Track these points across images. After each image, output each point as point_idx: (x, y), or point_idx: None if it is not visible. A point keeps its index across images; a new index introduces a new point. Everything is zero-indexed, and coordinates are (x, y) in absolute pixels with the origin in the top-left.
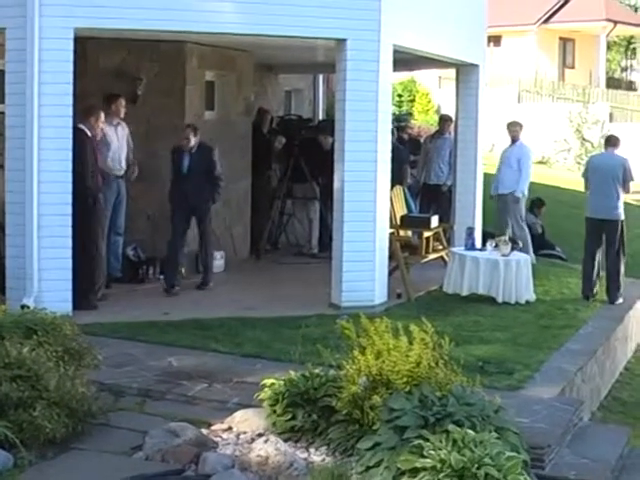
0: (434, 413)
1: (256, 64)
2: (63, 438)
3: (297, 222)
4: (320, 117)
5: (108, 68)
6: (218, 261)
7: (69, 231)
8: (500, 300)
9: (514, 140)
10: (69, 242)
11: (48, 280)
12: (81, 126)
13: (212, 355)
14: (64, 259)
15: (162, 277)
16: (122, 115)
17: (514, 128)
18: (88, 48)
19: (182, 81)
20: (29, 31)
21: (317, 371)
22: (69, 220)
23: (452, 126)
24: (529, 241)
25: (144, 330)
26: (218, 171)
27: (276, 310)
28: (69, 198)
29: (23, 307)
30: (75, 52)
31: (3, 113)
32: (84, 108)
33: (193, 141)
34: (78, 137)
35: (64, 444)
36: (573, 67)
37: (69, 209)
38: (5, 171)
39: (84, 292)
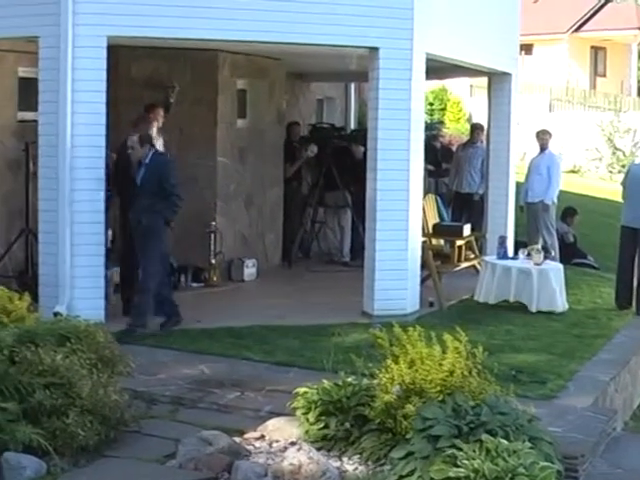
0: (467, 422)
1: (288, 72)
2: (96, 445)
3: (329, 230)
4: (352, 125)
5: (140, 76)
6: (250, 269)
7: (102, 239)
8: (532, 309)
9: (543, 148)
10: (102, 250)
11: (81, 288)
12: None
13: (244, 363)
14: (97, 267)
15: (194, 284)
16: (160, 125)
17: (543, 136)
18: (121, 56)
19: (214, 89)
20: (63, 40)
21: (350, 380)
22: (102, 228)
23: (484, 135)
24: (557, 249)
25: (176, 338)
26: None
27: (308, 318)
28: (102, 206)
29: (56, 314)
30: (108, 60)
31: (36, 121)
32: (136, 119)
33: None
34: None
35: (97, 452)
36: (604, 76)
37: (102, 217)
38: (38, 179)
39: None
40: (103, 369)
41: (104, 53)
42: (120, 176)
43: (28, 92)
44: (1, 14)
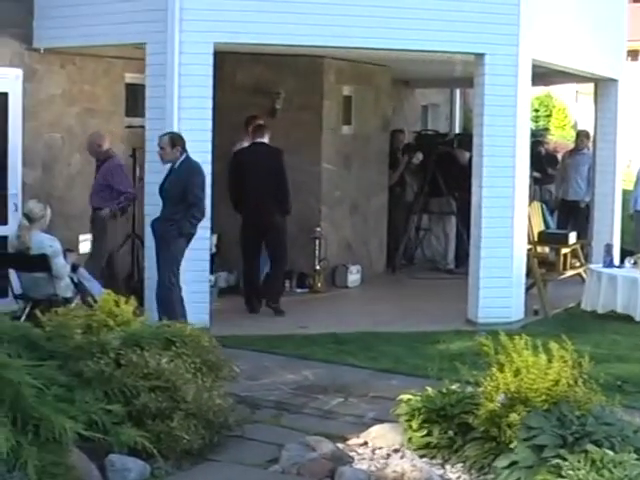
0: (573, 432)
1: (393, 79)
2: (199, 449)
3: (433, 237)
4: (457, 132)
5: (246, 83)
6: (354, 275)
7: (207, 244)
8: (638, 319)
9: None
10: (207, 255)
11: (186, 292)
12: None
13: (348, 369)
14: (202, 272)
15: (299, 290)
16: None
17: None
18: (226, 62)
19: (320, 96)
20: (169, 46)
21: (454, 387)
22: (207, 233)
23: (590, 142)
24: None
25: (280, 343)
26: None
27: (412, 325)
28: (209, 211)
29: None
30: (214, 67)
31: (143, 127)
32: (256, 127)
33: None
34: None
35: (200, 455)
36: None
37: (208, 222)
38: (145, 184)
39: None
40: (207, 373)
41: (210, 59)
42: (232, 180)
43: (135, 98)
44: (109, 21)
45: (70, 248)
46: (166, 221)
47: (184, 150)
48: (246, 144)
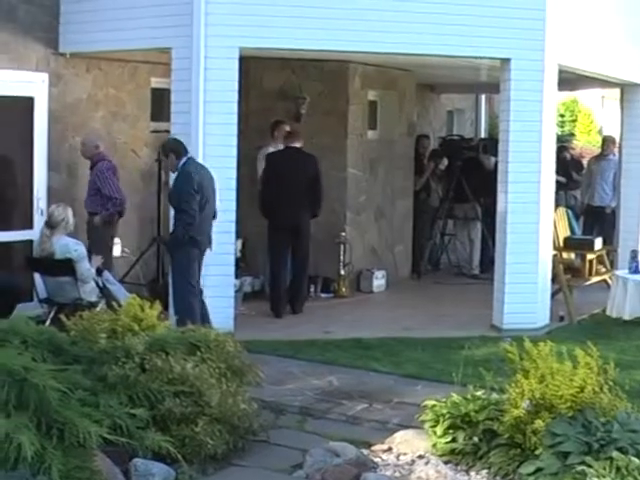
0: (598, 439)
1: (418, 84)
2: (224, 454)
3: (458, 243)
4: (482, 137)
5: (272, 88)
6: (379, 280)
7: (232, 248)
8: None
9: None
10: (232, 259)
11: (210, 297)
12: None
13: (372, 375)
14: (226, 276)
15: (323, 295)
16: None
17: None
18: (252, 67)
19: (345, 101)
20: (195, 51)
21: (479, 394)
22: (232, 237)
23: (616, 147)
24: None
25: (305, 348)
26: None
27: (436, 330)
28: (232, 215)
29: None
30: (239, 71)
31: (168, 132)
32: (290, 132)
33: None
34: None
35: (225, 460)
36: None
37: (232, 226)
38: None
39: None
40: (232, 378)
41: (236, 64)
42: (265, 183)
43: (161, 103)
44: (135, 26)
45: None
46: (172, 230)
47: (180, 156)
48: (272, 149)
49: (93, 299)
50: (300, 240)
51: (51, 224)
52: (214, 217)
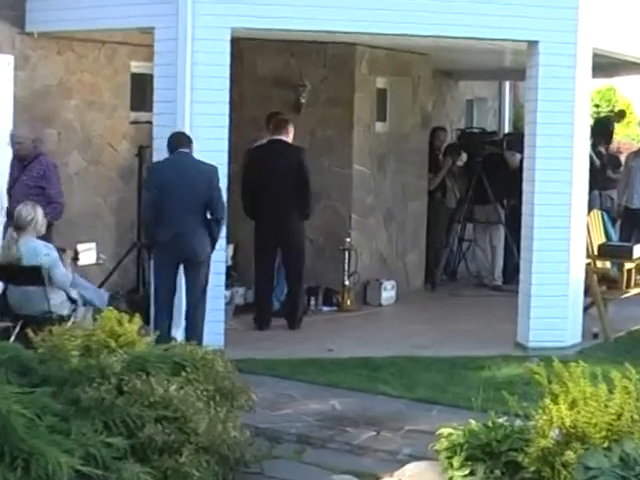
0: (637, 474)
1: (434, 69)
2: None
3: (478, 249)
4: (506, 130)
5: (267, 74)
6: (389, 292)
7: (222, 255)
8: None
9: None
10: (222, 267)
11: None
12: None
13: (381, 399)
14: (216, 286)
15: (326, 308)
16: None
17: None
18: (245, 51)
19: (351, 88)
20: (181, 31)
21: (501, 421)
22: (224, 242)
23: None
24: None
25: (304, 368)
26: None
27: (453, 349)
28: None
29: (170, 339)
30: (231, 55)
31: (150, 123)
32: (276, 122)
33: None
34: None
35: None
36: None
37: (223, 231)
38: None
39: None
40: (222, 402)
41: (227, 47)
42: (245, 182)
43: (142, 90)
44: (113, 2)
45: (63, 247)
46: None
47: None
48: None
49: (64, 312)
50: (290, 246)
51: (18, 225)
52: (215, 221)
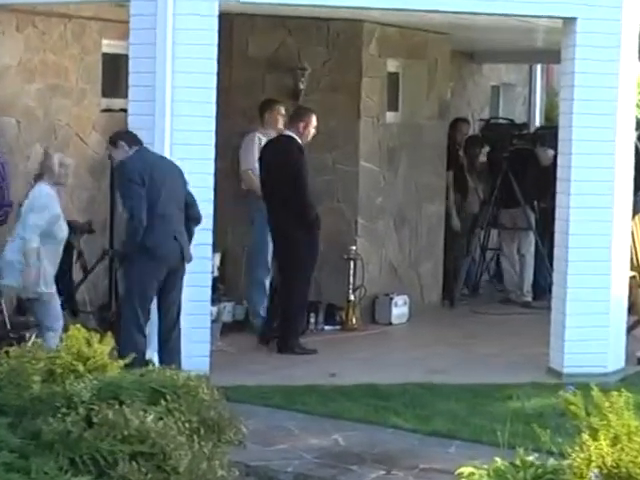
0: None
1: (454, 51)
2: None
3: (505, 260)
4: (537, 122)
5: (261, 55)
6: (400, 308)
7: (208, 265)
8: None
9: None
10: (207, 279)
11: (182, 329)
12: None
13: (391, 432)
14: (201, 302)
15: (328, 327)
16: (281, 126)
17: None
18: (235, 28)
19: (357, 72)
20: (160, 5)
21: (532, 459)
22: (208, 250)
23: None
24: None
25: (302, 396)
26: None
27: (475, 375)
28: (210, 222)
29: (147, 363)
30: (219, 33)
31: (125, 111)
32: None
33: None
34: (294, 148)
35: None
36: None
37: (209, 236)
38: None
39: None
40: (207, 436)
41: (215, 23)
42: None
43: (115, 73)
44: None
45: None
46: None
47: (131, 145)
48: (261, 136)
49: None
50: (285, 252)
51: None
52: (195, 221)
